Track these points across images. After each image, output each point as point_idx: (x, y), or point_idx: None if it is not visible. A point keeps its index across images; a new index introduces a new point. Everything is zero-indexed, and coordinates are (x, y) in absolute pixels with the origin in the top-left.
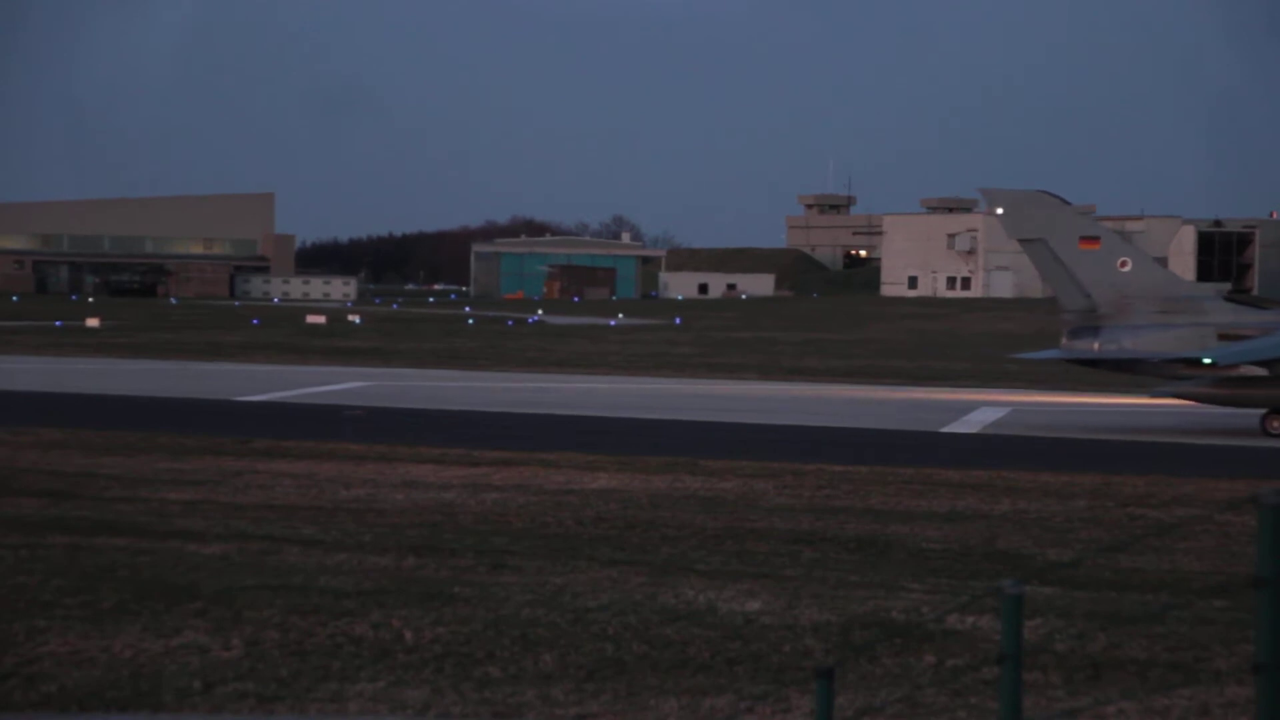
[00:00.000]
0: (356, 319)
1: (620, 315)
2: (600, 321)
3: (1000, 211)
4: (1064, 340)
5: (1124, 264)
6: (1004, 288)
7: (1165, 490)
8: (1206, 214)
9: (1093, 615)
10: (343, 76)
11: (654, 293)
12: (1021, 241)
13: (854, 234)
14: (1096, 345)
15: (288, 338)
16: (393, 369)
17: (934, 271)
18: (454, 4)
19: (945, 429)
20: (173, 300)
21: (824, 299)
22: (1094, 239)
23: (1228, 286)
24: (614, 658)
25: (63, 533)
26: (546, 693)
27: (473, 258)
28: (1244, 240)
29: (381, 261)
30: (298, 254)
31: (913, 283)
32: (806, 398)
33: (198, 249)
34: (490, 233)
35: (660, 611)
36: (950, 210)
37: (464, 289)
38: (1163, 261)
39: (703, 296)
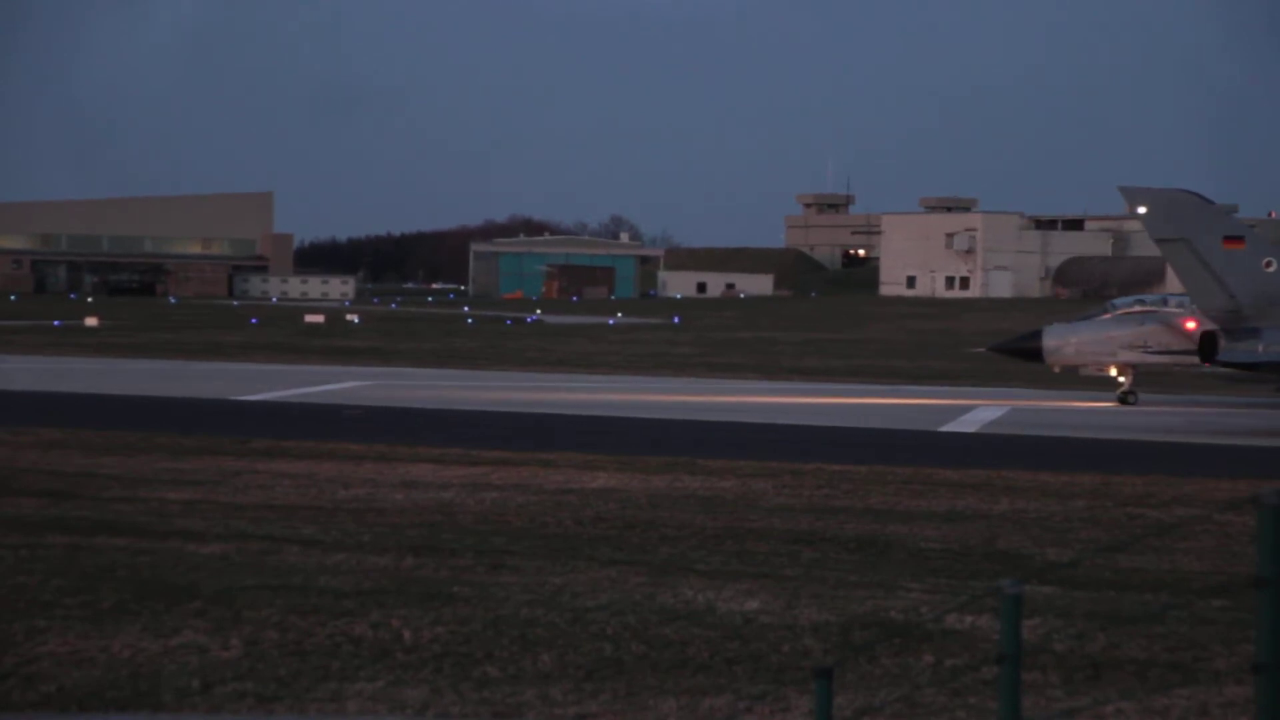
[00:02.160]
0: (355, 318)
1: (619, 314)
2: (599, 321)
3: (1142, 210)
4: (1220, 343)
5: (1269, 264)
6: (1002, 287)
7: (1165, 490)
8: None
9: (1092, 615)
10: (342, 76)
11: (652, 292)
12: (1160, 241)
13: (853, 233)
14: (1261, 348)
15: (286, 337)
16: (392, 368)
17: (932, 271)
18: (454, 4)
19: (944, 428)
20: (171, 300)
21: (822, 299)
22: (1238, 239)
23: None
24: (613, 657)
25: (63, 533)
26: (545, 692)
27: (471, 257)
28: None
29: (380, 261)
30: (296, 253)
31: (911, 282)
32: (805, 404)
33: (196, 249)
34: (489, 232)
35: (659, 611)
36: (949, 210)
37: (462, 288)
38: (1161, 262)
39: (701, 296)
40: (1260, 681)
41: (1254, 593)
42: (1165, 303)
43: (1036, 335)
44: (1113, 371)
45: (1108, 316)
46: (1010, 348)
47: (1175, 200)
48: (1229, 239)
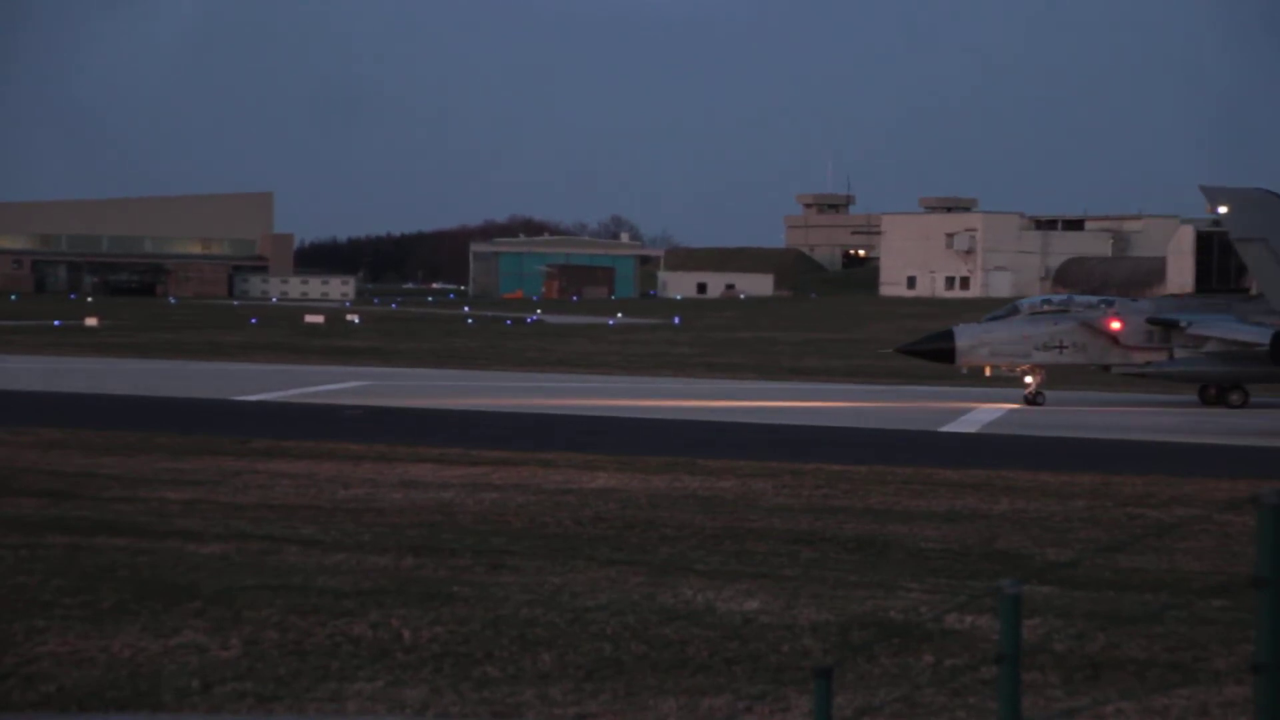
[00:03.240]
0: (355, 318)
1: (619, 315)
2: (599, 321)
3: (1223, 210)
4: None
5: None
6: (1002, 287)
7: (1165, 490)
8: (1205, 214)
9: (1092, 615)
10: (342, 76)
11: (652, 292)
12: (1238, 241)
13: (852, 234)
14: None
15: (286, 337)
16: (392, 368)
17: (932, 271)
18: (453, 3)
19: (944, 428)
20: (171, 300)
21: (822, 299)
22: None
23: None
24: (612, 657)
25: (63, 533)
26: (545, 692)
27: (471, 257)
28: None
29: (380, 261)
30: (296, 254)
31: (911, 283)
32: (805, 405)
33: (196, 249)
34: (489, 232)
35: (659, 611)
36: (949, 210)
37: (462, 288)
38: (1161, 262)
39: (701, 296)
40: (1260, 681)
41: (1254, 593)
42: (1071, 301)
43: (948, 336)
44: (1020, 371)
45: (1019, 316)
46: (919, 349)
47: (1255, 200)
48: None
